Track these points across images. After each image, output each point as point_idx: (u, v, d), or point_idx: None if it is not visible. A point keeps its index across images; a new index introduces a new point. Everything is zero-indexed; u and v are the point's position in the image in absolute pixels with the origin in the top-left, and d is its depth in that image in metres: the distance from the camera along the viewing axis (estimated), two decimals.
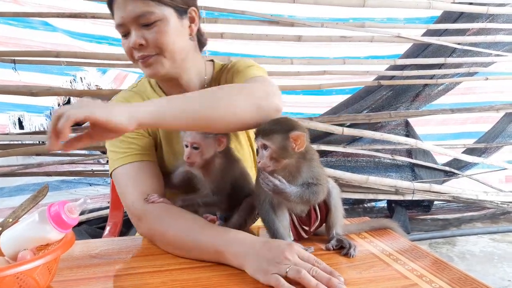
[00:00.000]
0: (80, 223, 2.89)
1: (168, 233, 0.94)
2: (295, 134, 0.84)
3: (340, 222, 0.98)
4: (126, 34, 1.05)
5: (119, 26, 1.04)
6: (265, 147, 0.86)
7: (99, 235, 2.48)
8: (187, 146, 0.95)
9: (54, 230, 0.78)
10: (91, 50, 3.02)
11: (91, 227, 2.92)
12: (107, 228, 1.52)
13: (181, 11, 1.07)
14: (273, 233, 0.91)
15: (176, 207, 0.98)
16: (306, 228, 0.98)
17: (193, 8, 1.10)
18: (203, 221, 0.95)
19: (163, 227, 0.95)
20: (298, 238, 0.99)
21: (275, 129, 0.87)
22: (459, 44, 3.35)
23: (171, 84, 1.14)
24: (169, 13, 1.03)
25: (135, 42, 1.02)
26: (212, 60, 1.26)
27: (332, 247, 0.95)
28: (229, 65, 1.22)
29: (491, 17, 3.39)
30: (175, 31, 1.05)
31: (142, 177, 1.04)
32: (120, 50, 2.96)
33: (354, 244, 0.94)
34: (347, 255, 0.92)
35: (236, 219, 0.98)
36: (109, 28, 2.94)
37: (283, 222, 0.94)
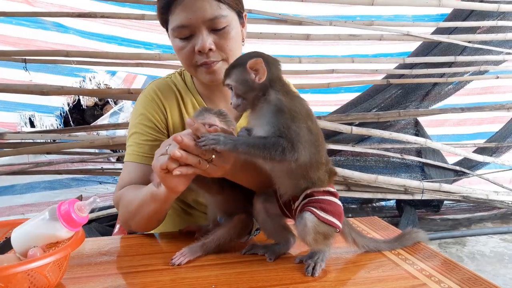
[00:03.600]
0: (90, 221, 2.91)
1: (129, 208, 1.02)
2: (251, 62, 0.80)
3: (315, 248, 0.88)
4: (186, 37, 1.01)
5: (183, 27, 0.99)
6: (229, 87, 0.84)
7: (109, 233, 2.50)
8: None
9: (64, 229, 0.79)
10: (101, 50, 3.04)
11: (101, 225, 2.94)
12: (117, 226, 1.53)
13: (240, 15, 1.06)
14: (269, 235, 0.94)
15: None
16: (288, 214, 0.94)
17: (245, 12, 1.09)
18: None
19: (125, 205, 1.05)
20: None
21: (233, 65, 0.84)
22: (469, 42, 3.32)
23: (214, 88, 1.13)
24: (233, 17, 1.02)
25: (205, 47, 0.98)
26: None
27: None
28: None
29: (502, 15, 3.35)
30: (238, 36, 1.05)
31: (136, 178, 1.08)
32: (130, 50, 3.00)
33: (321, 263, 0.86)
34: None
35: (221, 233, 0.94)
36: (118, 28, 2.96)
37: (278, 223, 0.94)
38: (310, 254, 0.88)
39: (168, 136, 1.13)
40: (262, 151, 0.77)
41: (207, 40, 0.98)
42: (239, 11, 1.05)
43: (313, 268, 0.84)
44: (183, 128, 1.14)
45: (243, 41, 1.10)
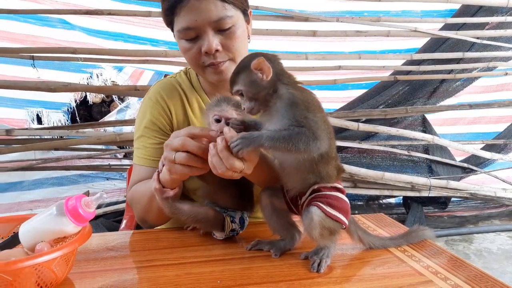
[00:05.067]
0: (97, 217, 2.93)
1: (141, 203, 1.08)
2: (254, 63, 0.80)
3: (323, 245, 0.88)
4: (192, 38, 1.01)
5: (188, 29, 0.99)
6: (239, 93, 0.84)
7: (115, 229, 2.51)
8: (218, 121, 0.89)
9: (71, 224, 0.79)
10: (108, 47, 3.05)
11: (108, 220, 2.96)
12: (124, 222, 1.54)
13: (245, 13, 1.06)
14: (275, 231, 0.95)
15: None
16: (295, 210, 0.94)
17: (250, 9, 1.09)
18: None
19: (137, 202, 1.11)
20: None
21: (237, 71, 0.84)
22: (477, 38, 3.28)
23: (220, 86, 1.12)
24: (239, 16, 1.02)
25: (211, 48, 0.98)
26: None
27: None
28: None
29: (511, 11, 3.31)
30: (244, 34, 1.05)
31: (145, 180, 1.11)
32: (135, 47, 3.01)
33: (326, 259, 0.86)
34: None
35: (187, 210, 0.96)
36: (124, 25, 2.96)
37: (284, 219, 0.94)
38: (315, 250, 0.88)
39: None
40: (287, 143, 0.78)
41: (213, 41, 0.99)
42: (244, 9, 1.05)
43: (319, 264, 0.84)
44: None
45: (248, 38, 1.10)
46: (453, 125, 3.82)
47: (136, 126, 1.18)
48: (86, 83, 3.56)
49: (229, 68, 1.03)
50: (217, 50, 1.00)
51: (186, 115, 1.16)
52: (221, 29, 0.99)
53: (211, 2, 0.97)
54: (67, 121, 3.79)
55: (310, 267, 0.84)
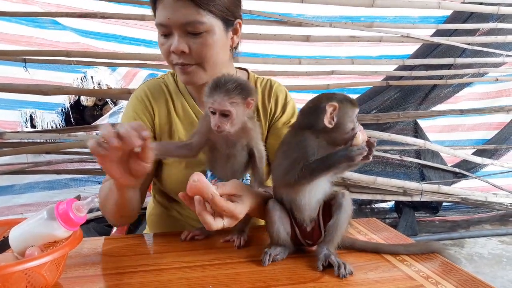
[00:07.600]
0: (88, 221, 2.91)
1: (101, 199, 1.10)
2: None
3: (338, 239, 0.90)
4: (166, 35, 1.02)
5: (162, 25, 1.00)
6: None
7: (107, 233, 2.50)
8: (213, 113, 0.89)
9: (61, 228, 0.79)
10: (101, 48, 3.04)
11: (99, 225, 2.94)
12: None
13: (228, 23, 1.04)
14: (273, 234, 0.92)
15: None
16: (309, 242, 0.94)
17: (239, 20, 1.07)
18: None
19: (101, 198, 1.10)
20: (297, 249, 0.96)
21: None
22: (469, 44, 3.32)
23: (202, 90, 1.11)
24: (216, 24, 1.01)
25: (178, 49, 0.99)
26: (245, 69, 1.25)
27: (322, 265, 0.87)
28: (267, 83, 1.22)
29: (501, 17, 3.35)
30: (219, 43, 1.03)
31: None
32: (130, 49, 3.00)
33: (344, 262, 0.86)
34: (338, 275, 0.83)
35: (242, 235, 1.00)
36: (118, 26, 2.96)
37: (285, 228, 0.93)
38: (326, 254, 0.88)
39: (155, 137, 1.16)
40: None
41: (180, 43, 0.99)
42: (227, 18, 1.02)
43: (344, 269, 0.84)
44: (170, 130, 1.15)
45: (232, 49, 1.11)
46: (450, 132, 3.84)
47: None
48: (79, 84, 3.53)
49: (196, 72, 1.03)
50: (184, 52, 1.00)
51: (169, 117, 1.16)
52: (192, 33, 0.99)
53: (184, 4, 0.96)
54: (61, 122, 3.75)
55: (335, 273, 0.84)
